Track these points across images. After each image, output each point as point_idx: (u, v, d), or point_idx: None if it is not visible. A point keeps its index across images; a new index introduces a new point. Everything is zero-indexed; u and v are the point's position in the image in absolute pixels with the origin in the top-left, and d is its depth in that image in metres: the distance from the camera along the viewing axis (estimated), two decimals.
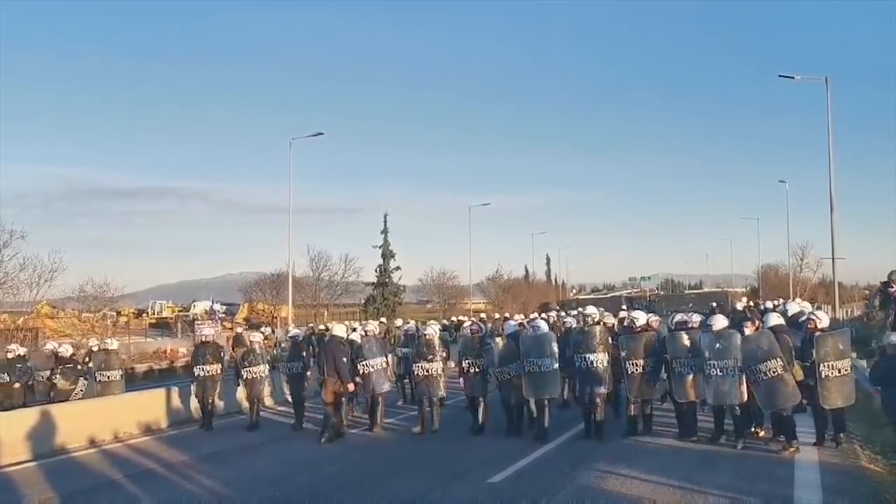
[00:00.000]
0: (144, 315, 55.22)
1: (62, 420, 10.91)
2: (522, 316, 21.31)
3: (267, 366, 12.82)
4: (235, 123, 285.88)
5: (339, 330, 12.05)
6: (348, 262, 51.79)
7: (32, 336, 25.67)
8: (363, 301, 55.49)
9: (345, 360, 11.03)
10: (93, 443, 11.17)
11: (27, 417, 10.79)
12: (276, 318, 45.15)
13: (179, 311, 56.79)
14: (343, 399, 11.32)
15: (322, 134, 32.95)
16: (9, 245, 25.17)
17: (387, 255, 55.17)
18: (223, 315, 51.12)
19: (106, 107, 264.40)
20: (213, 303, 57.38)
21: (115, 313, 38.07)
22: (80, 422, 11.22)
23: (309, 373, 12.59)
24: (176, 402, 13.20)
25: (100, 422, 11.57)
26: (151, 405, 12.86)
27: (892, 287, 9.98)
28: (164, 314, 56.38)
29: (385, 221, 55.49)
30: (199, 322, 40.66)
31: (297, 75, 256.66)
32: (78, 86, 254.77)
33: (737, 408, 9.20)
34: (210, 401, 12.69)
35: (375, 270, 55.06)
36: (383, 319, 25.13)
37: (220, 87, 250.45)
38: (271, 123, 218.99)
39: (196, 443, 11.24)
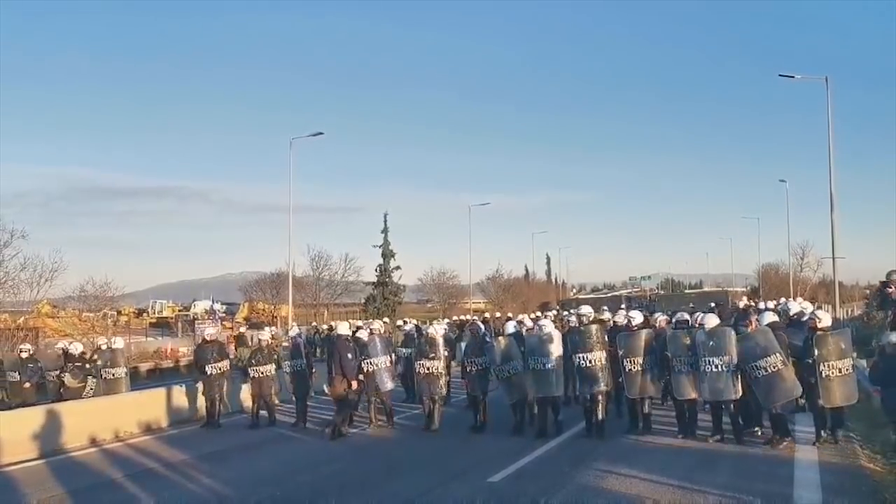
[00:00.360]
0: (145, 314, 55.25)
1: (63, 419, 10.91)
2: (525, 315, 21.31)
3: (274, 365, 12.92)
4: (235, 123, 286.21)
5: (343, 328, 12.26)
6: (348, 261, 51.81)
7: (33, 336, 25.68)
8: (363, 301, 55.46)
9: (350, 356, 11.13)
10: (93, 442, 11.18)
11: (28, 417, 10.81)
12: (276, 317, 45.16)
13: (180, 311, 56.79)
14: (350, 397, 11.35)
15: (322, 134, 32.97)
16: (9, 245, 25.10)
17: (387, 254, 55.11)
18: (223, 314, 51.12)
19: (106, 107, 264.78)
20: (213, 302, 57.35)
21: (115, 313, 38.05)
22: (80, 421, 11.21)
23: (314, 371, 12.70)
24: (176, 401, 13.21)
25: (100, 421, 11.57)
26: (152, 404, 12.87)
27: (891, 288, 9.99)
28: (165, 314, 56.36)
29: (385, 221, 55.47)
30: (199, 321, 40.70)
31: (297, 75, 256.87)
32: (78, 86, 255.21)
33: (731, 405, 9.30)
34: (218, 398, 12.80)
35: (375, 270, 55.01)
36: (386, 319, 25.17)
37: (221, 87, 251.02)
38: (271, 123, 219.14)
39: (197, 442, 11.26)
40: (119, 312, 40.71)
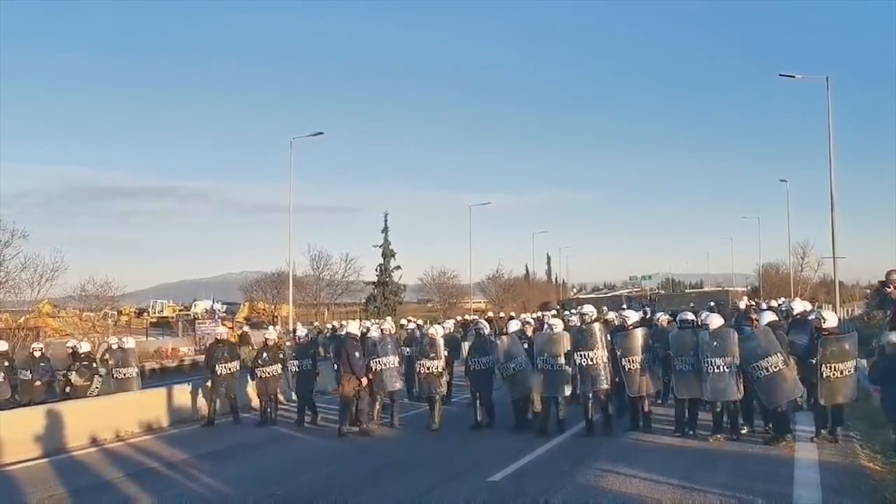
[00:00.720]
0: (145, 314, 55.28)
1: (64, 419, 10.92)
2: (527, 315, 21.37)
3: (280, 364, 13.05)
4: (236, 123, 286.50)
5: (352, 327, 12.39)
6: (349, 261, 51.81)
7: (34, 335, 25.71)
8: (364, 300, 55.47)
9: (357, 354, 11.19)
10: (94, 441, 11.19)
11: (29, 416, 10.83)
12: (276, 317, 45.17)
13: (180, 311, 56.80)
14: (360, 395, 11.36)
15: (322, 133, 33.13)
16: (10, 244, 25.16)
17: (387, 254, 55.07)
18: (224, 314, 51.10)
19: (106, 106, 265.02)
20: (213, 302, 57.33)
21: (116, 312, 38.08)
22: (81, 421, 11.23)
23: (318, 371, 12.82)
24: (177, 400, 13.21)
25: (102, 421, 11.58)
26: (153, 404, 12.88)
27: (889, 287, 10.00)
28: (165, 313, 56.37)
29: (385, 221, 55.39)
30: (199, 321, 40.69)
31: (297, 75, 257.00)
32: (78, 86, 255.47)
33: (732, 404, 9.40)
34: (233, 396, 13.02)
35: (376, 270, 54.96)
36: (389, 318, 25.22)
37: (221, 86, 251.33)
38: (272, 123, 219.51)
39: (198, 441, 11.27)
40: (119, 312, 40.75)
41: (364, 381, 11.23)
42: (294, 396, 13.00)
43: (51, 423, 10.69)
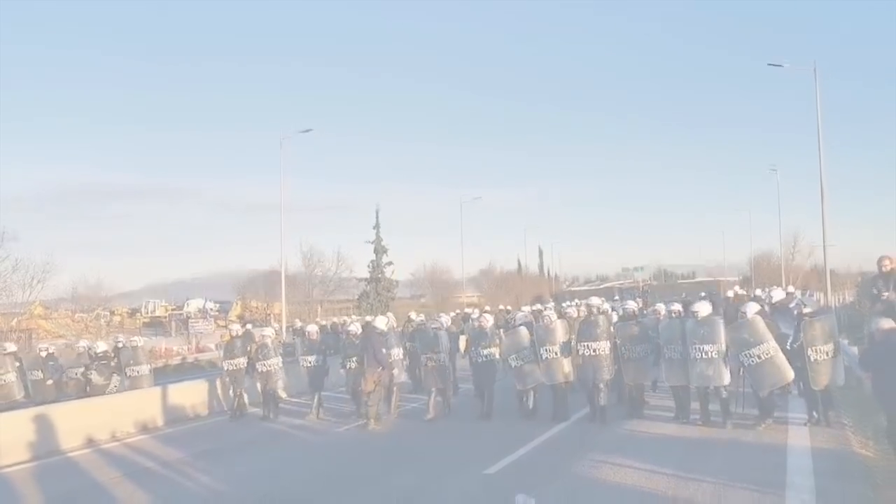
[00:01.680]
0: (138, 314, 55.09)
1: (60, 420, 10.91)
2: (529, 308, 21.55)
3: (280, 359, 13.16)
4: (227, 121, 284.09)
5: (379, 322, 12.55)
6: (341, 257, 51.82)
7: (26, 337, 25.66)
8: (357, 297, 55.46)
9: (384, 350, 11.39)
10: (90, 442, 11.17)
11: (25, 418, 10.79)
12: (269, 314, 45.15)
13: (173, 310, 56.64)
14: (376, 388, 11.43)
15: (311, 130, 33.26)
16: (0, 247, 25.08)
17: (379, 250, 55.09)
18: (216, 313, 51.03)
19: (103, 106, 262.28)
20: (206, 301, 57.20)
21: (108, 313, 38.00)
22: (77, 422, 11.22)
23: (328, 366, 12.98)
24: (172, 400, 13.20)
25: (97, 421, 11.56)
26: (148, 404, 12.86)
27: (879, 289, 10.13)
28: (158, 313, 56.19)
29: (377, 216, 55.44)
30: (192, 320, 40.64)
31: (292, 72, 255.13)
32: (74, 84, 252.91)
33: (723, 390, 9.55)
34: (239, 392, 13.20)
35: (368, 266, 55.04)
36: (390, 314, 25.31)
37: (215, 84, 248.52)
38: (263, 120, 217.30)
39: (193, 440, 11.26)
40: (112, 312, 40.67)
41: (396, 371, 11.45)
42: (288, 395, 13.09)
43: (46, 425, 10.67)
